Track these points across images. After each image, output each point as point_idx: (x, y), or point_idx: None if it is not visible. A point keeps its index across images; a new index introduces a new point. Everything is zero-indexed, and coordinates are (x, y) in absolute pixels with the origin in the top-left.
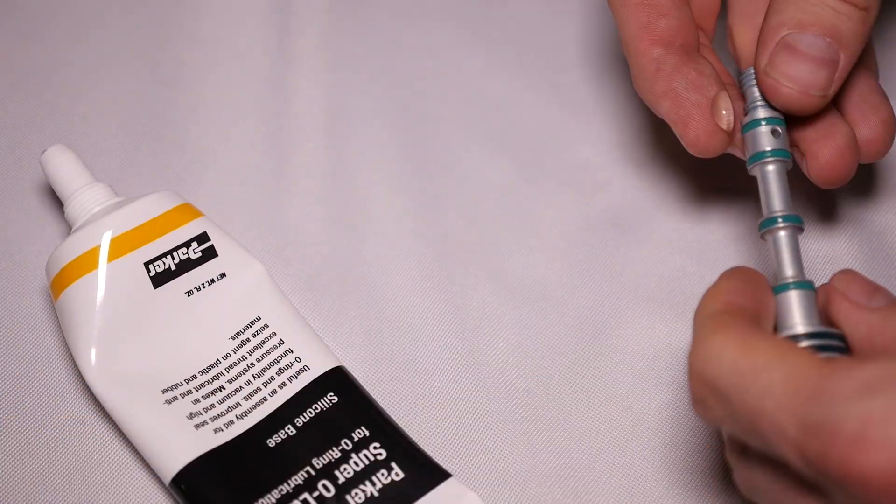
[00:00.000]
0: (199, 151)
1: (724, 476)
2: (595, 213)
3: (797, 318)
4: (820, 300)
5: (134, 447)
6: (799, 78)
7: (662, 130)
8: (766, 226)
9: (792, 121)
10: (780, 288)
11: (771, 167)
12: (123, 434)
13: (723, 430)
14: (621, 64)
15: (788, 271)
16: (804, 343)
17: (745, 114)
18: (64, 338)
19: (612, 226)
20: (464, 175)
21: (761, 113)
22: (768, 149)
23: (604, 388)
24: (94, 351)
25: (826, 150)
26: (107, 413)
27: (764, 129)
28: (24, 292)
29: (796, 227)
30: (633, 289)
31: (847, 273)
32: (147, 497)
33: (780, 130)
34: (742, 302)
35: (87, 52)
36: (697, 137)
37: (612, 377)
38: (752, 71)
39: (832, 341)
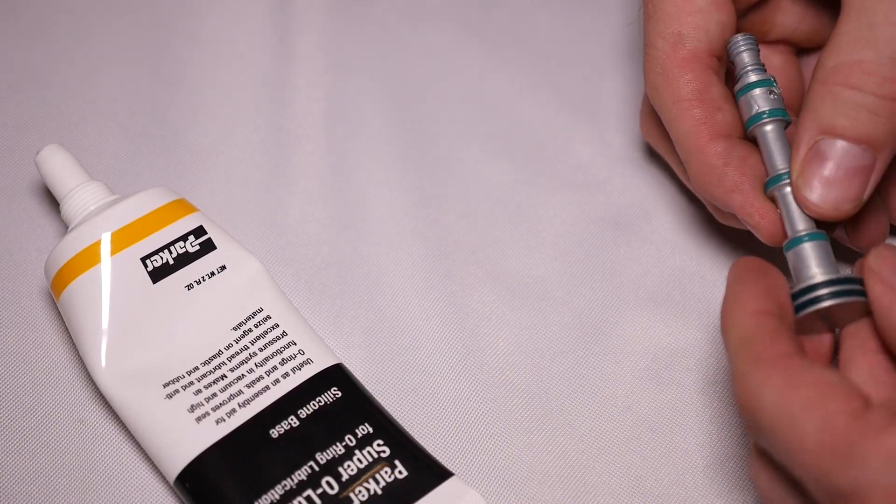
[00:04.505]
0: (199, 151)
1: (724, 476)
2: (595, 213)
3: (814, 267)
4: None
5: (135, 445)
6: (831, 189)
7: None
8: (772, 184)
9: None
10: (792, 242)
11: (769, 127)
12: (124, 432)
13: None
14: (620, 64)
15: (800, 225)
16: (824, 291)
17: (737, 81)
18: (65, 336)
19: (612, 226)
20: (464, 175)
21: (753, 77)
22: (766, 108)
23: (604, 388)
24: (102, 351)
25: (867, 236)
26: (108, 411)
27: (758, 91)
28: (23, 292)
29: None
30: (633, 289)
31: (885, 248)
32: (148, 495)
33: (775, 91)
34: (769, 307)
35: (87, 52)
36: (776, 231)
37: (612, 377)
38: (739, 38)
39: (853, 286)
